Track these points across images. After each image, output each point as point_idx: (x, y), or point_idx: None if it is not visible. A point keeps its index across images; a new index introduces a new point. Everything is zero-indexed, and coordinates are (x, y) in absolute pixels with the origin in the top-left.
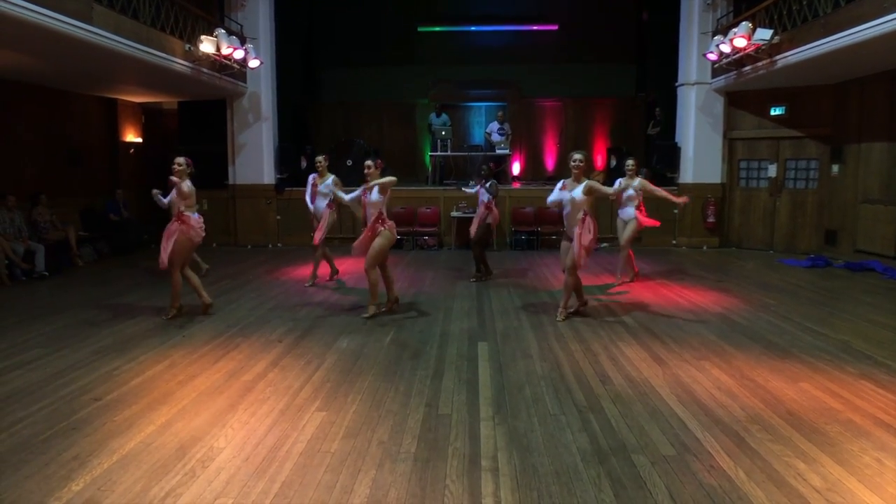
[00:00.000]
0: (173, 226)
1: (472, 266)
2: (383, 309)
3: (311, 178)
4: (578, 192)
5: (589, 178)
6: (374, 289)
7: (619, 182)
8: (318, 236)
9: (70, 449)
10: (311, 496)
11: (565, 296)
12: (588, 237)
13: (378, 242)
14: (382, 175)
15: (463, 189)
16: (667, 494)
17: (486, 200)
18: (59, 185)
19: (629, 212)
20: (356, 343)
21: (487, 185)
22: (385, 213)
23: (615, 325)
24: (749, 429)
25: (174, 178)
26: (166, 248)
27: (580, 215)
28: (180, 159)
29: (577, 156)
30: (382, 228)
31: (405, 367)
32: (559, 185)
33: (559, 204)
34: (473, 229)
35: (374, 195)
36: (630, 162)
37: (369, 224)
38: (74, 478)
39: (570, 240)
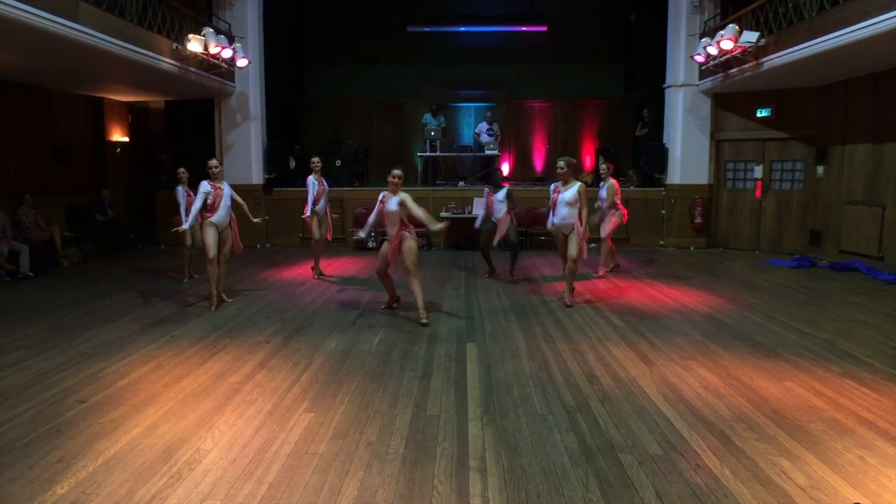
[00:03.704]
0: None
1: (485, 265)
2: (383, 307)
3: (311, 179)
4: (570, 193)
5: (577, 179)
6: (419, 293)
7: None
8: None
9: (54, 451)
10: (298, 498)
11: (570, 281)
12: (586, 233)
13: (410, 246)
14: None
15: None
16: (653, 493)
17: (505, 209)
18: (45, 184)
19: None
20: (344, 344)
21: (504, 194)
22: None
23: (603, 325)
24: (735, 428)
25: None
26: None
27: (575, 213)
28: (214, 161)
29: (561, 162)
30: (407, 234)
31: (393, 368)
32: (553, 187)
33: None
34: (499, 238)
35: (393, 205)
36: (604, 166)
37: (394, 233)
38: (59, 480)
39: (565, 235)
